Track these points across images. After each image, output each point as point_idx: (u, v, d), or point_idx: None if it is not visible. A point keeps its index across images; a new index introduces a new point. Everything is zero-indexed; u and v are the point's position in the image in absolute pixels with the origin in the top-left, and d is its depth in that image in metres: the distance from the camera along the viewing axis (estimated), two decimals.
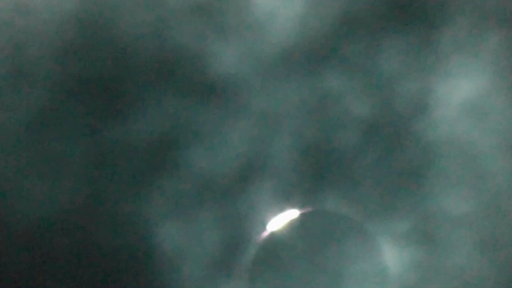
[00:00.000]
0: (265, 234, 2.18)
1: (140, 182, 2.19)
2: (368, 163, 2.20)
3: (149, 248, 2.16)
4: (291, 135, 2.22)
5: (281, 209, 2.21)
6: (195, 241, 2.16)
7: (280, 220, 2.19)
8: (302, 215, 2.17)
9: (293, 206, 2.20)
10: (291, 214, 2.19)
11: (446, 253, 2.14)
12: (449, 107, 2.20)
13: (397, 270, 2.16)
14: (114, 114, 2.22)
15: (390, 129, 2.20)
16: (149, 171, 2.19)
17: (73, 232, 2.18)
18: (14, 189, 2.18)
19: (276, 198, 2.20)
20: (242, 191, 2.19)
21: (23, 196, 2.18)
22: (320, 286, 2.14)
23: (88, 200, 2.19)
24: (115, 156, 2.20)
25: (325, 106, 2.22)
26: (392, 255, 2.16)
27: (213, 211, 2.19)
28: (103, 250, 2.17)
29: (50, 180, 2.19)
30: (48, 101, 2.22)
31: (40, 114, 2.21)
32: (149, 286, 2.15)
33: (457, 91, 2.21)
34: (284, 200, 2.21)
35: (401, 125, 2.21)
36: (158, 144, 2.20)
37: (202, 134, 2.20)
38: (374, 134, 2.21)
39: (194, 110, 2.21)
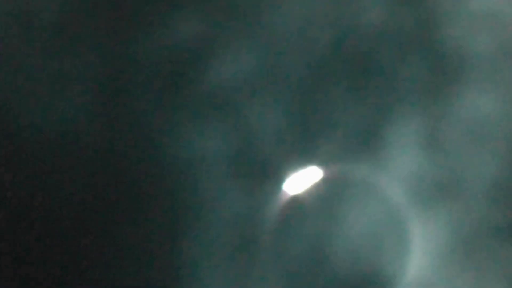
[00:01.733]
0: (285, 198, 1.97)
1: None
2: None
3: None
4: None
5: (301, 166, 2.00)
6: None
7: (301, 181, 1.98)
8: (325, 177, 1.96)
9: (314, 162, 1.99)
10: (313, 173, 1.98)
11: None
12: None
13: (420, 242, 1.97)
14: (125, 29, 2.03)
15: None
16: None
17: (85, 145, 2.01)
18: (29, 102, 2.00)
19: (294, 152, 1.99)
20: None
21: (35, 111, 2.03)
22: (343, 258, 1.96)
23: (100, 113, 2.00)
24: (128, 71, 2.01)
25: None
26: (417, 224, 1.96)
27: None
28: (116, 159, 1.99)
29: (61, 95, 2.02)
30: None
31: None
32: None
33: None
34: (304, 155, 1.99)
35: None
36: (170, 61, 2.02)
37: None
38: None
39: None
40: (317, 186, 1.97)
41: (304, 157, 2.00)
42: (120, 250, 1.99)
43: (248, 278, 1.97)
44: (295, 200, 1.97)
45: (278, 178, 1.98)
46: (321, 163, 1.99)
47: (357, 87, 1.99)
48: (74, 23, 2.05)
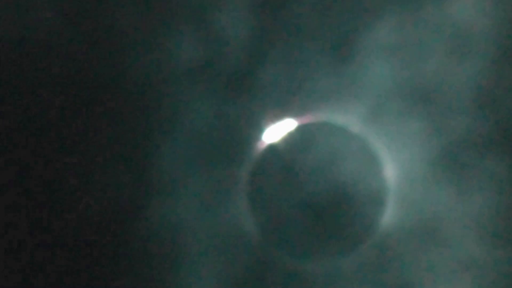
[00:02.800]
0: (262, 145, 2.10)
1: None
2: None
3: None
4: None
5: (277, 118, 2.13)
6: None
7: (277, 131, 2.10)
8: (300, 126, 2.09)
9: (289, 115, 2.12)
10: (288, 124, 2.10)
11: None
12: None
13: (398, 184, 2.10)
14: None
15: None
16: None
17: None
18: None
19: (271, 105, 2.12)
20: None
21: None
22: (320, 196, 2.08)
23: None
24: None
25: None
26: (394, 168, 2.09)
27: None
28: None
29: None
30: None
31: None
32: None
33: None
34: (280, 108, 2.12)
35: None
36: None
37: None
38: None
39: None
40: (292, 134, 2.11)
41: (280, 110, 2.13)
42: None
43: (224, 219, 2.10)
44: (272, 148, 2.11)
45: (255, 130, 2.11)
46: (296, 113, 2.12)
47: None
48: None
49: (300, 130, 2.10)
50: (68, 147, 2.14)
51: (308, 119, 2.10)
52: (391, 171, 2.08)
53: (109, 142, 2.14)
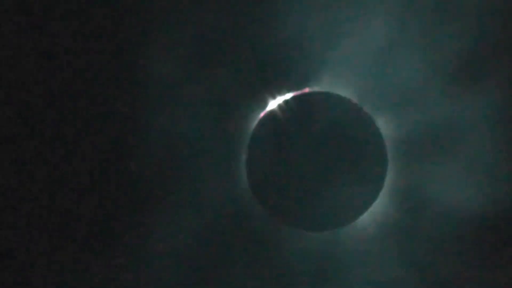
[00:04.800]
0: (264, 113, 2.14)
1: None
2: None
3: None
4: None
5: (278, 91, 2.17)
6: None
7: (277, 101, 2.15)
8: (298, 96, 2.13)
9: (289, 88, 2.16)
10: (287, 96, 2.15)
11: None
12: None
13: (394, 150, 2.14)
14: None
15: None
16: None
17: None
18: None
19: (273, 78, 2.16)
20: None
21: None
22: (317, 167, 2.12)
23: None
24: None
25: None
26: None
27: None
28: None
29: None
30: None
31: None
32: None
33: None
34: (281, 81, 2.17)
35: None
36: None
37: None
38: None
39: None
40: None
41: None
42: None
43: (225, 185, 2.14)
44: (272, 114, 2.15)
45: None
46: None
47: None
48: None
49: (298, 99, 2.14)
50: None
51: (306, 90, 2.15)
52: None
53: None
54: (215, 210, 2.16)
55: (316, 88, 2.15)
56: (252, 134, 2.14)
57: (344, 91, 2.15)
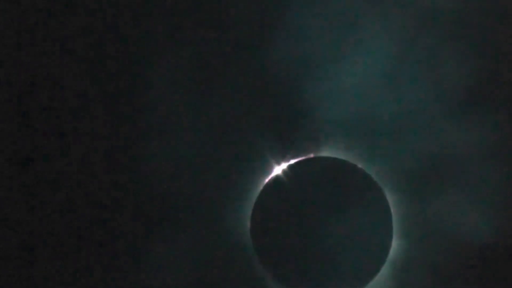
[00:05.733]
0: (269, 178, 2.17)
1: None
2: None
3: None
4: None
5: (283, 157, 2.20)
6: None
7: (282, 167, 2.17)
8: (299, 162, 2.15)
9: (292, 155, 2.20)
10: (292, 161, 2.18)
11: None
12: None
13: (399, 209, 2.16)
14: None
15: None
16: None
17: None
18: None
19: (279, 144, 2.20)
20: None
21: None
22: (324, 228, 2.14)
23: None
24: None
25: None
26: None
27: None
28: None
29: None
30: None
31: None
32: None
33: None
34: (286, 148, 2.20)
35: None
36: None
37: None
38: None
39: None
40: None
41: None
42: None
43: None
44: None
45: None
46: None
47: None
48: None
49: (303, 164, 2.17)
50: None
51: (310, 155, 2.17)
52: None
53: None
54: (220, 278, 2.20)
55: (321, 153, 2.18)
56: (257, 199, 2.16)
57: (349, 154, 2.18)
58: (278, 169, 2.17)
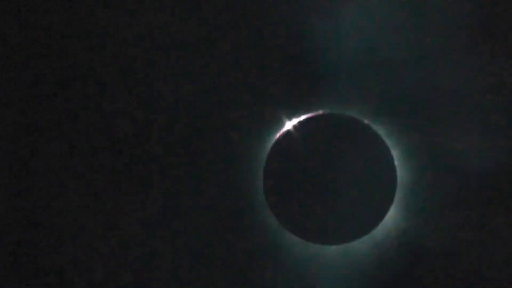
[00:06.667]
0: (281, 133, 2.28)
1: None
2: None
3: None
4: None
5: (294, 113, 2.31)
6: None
7: (292, 122, 2.29)
8: (312, 118, 2.27)
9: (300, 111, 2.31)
10: (302, 117, 2.29)
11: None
12: None
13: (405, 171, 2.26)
14: None
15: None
16: None
17: None
18: None
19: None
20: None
21: None
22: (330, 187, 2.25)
23: None
24: None
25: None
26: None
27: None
28: None
29: None
30: None
31: None
32: None
33: None
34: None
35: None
36: None
37: None
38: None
39: None
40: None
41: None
42: None
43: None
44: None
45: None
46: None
47: None
48: None
49: (312, 121, 2.29)
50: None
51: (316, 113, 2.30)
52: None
53: None
54: (227, 218, 2.30)
55: (329, 110, 2.30)
56: (270, 150, 2.28)
57: (355, 110, 2.30)
58: (289, 124, 2.29)
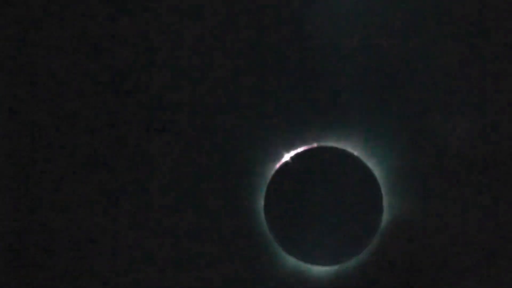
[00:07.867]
0: (279, 164, 2.51)
1: None
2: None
3: None
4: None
5: (291, 145, 2.55)
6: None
7: (290, 154, 2.53)
8: (307, 150, 2.50)
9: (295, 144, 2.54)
10: (298, 150, 2.53)
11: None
12: None
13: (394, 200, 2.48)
14: None
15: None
16: None
17: None
18: None
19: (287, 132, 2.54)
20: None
21: None
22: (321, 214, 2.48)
23: None
24: None
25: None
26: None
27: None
28: None
29: None
30: None
31: None
32: None
33: None
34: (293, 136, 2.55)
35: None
36: None
37: None
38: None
39: None
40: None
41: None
42: None
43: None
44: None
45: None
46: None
47: None
48: None
49: (308, 153, 2.52)
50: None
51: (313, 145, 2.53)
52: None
53: None
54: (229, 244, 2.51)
55: (323, 143, 2.54)
56: (270, 181, 2.52)
57: (349, 142, 2.52)
58: (287, 156, 2.53)
